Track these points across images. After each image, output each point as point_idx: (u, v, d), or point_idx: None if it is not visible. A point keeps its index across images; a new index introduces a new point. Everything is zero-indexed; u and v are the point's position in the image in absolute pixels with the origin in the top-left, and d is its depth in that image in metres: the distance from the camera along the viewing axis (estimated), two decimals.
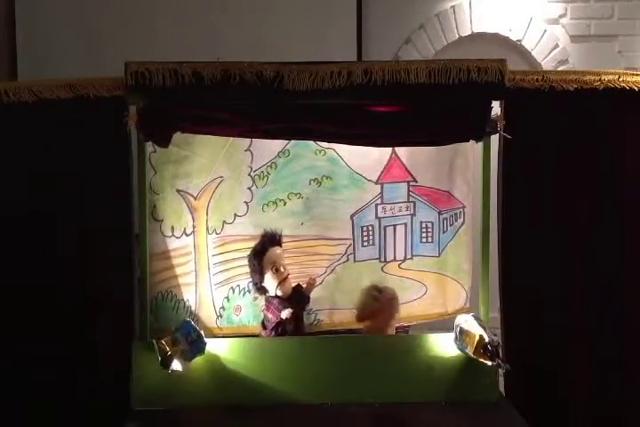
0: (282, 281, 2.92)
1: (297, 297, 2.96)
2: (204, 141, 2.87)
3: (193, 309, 2.97)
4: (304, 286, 3.00)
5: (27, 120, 2.71)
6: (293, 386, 2.73)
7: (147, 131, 2.66)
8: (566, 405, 2.91)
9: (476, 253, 3.01)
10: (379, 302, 2.96)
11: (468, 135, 2.75)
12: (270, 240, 2.92)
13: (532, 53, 4.10)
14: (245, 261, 2.95)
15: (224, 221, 2.97)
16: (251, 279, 2.96)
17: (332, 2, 4.04)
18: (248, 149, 2.96)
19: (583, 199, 2.87)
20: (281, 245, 2.94)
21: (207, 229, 2.96)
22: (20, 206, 2.74)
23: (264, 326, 2.95)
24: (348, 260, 3.07)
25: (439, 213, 3.08)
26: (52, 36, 3.94)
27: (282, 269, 2.92)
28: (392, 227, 3.08)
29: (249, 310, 3.03)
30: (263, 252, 2.89)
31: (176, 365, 2.62)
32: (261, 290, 2.94)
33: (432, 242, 3.10)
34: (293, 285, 2.97)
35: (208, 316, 2.99)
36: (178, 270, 2.95)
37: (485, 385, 2.74)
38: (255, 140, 2.93)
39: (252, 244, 2.94)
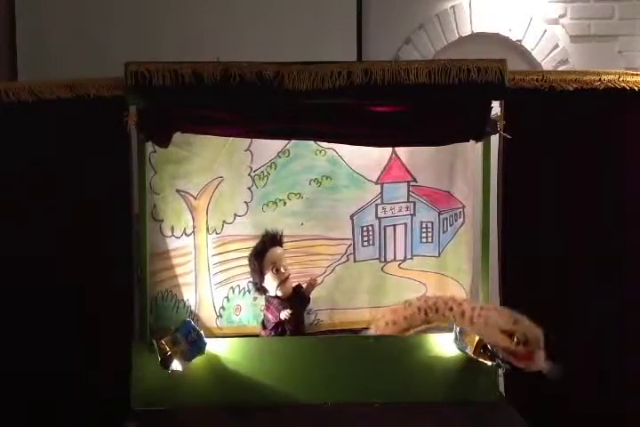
0: (282, 282, 2.91)
1: (297, 298, 2.96)
2: (204, 141, 2.87)
3: (193, 309, 2.97)
4: (304, 286, 3.00)
5: (27, 120, 2.71)
6: (293, 386, 2.73)
7: (147, 131, 2.66)
8: (566, 405, 2.91)
9: (476, 253, 3.01)
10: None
11: (468, 135, 2.76)
12: (271, 240, 2.91)
13: (532, 53, 4.10)
14: (245, 262, 2.95)
15: (224, 221, 2.97)
16: (251, 279, 2.97)
17: (332, 2, 4.03)
18: (248, 149, 2.96)
19: (583, 199, 2.87)
20: (282, 246, 2.94)
21: (207, 229, 2.96)
22: (19, 206, 2.74)
23: (264, 326, 2.95)
24: (348, 260, 3.07)
25: (439, 213, 3.08)
26: (52, 36, 3.93)
27: (282, 270, 2.91)
28: (392, 227, 3.08)
29: (249, 310, 3.03)
30: (264, 252, 2.89)
31: (176, 365, 2.63)
32: (261, 290, 2.94)
33: (432, 242, 3.10)
34: (294, 285, 2.97)
35: (208, 316, 2.99)
36: (178, 270, 2.95)
37: (485, 385, 2.74)
38: (255, 140, 2.93)
39: (252, 244, 2.94)
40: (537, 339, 2.48)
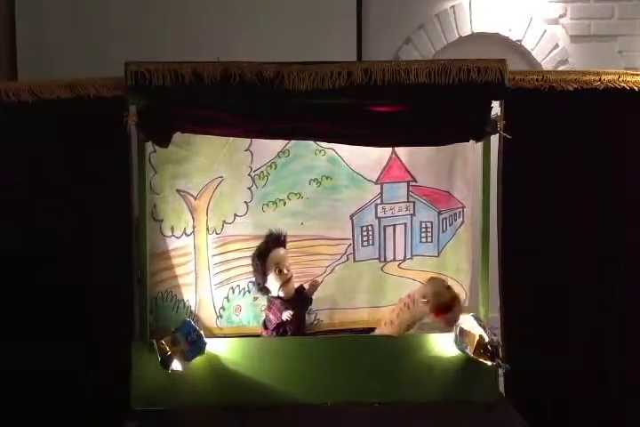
0: (285, 282, 2.91)
1: (299, 299, 2.96)
2: (203, 141, 2.87)
3: (193, 309, 2.97)
4: (306, 287, 3.00)
5: (27, 120, 2.71)
6: (293, 386, 2.73)
7: (147, 131, 2.66)
8: (566, 405, 2.91)
9: (476, 252, 3.01)
10: (451, 293, 2.82)
11: (468, 135, 2.76)
12: (274, 241, 2.91)
13: (532, 53, 4.10)
14: (245, 262, 2.95)
15: (224, 221, 2.97)
16: (251, 279, 2.97)
17: (332, 2, 4.03)
18: (248, 149, 2.96)
19: (583, 199, 2.87)
20: (285, 247, 2.94)
21: (207, 229, 2.96)
22: (19, 206, 2.74)
23: (265, 327, 2.95)
24: (347, 260, 3.07)
25: (438, 213, 3.08)
26: (52, 36, 3.94)
27: (285, 271, 2.91)
28: (392, 227, 3.08)
29: (249, 311, 3.03)
30: (267, 253, 2.89)
31: (176, 365, 2.63)
32: (264, 290, 2.94)
33: (431, 242, 3.10)
34: (296, 286, 2.97)
35: (208, 316, 2.99)
36: (178, 270, 2.95)
37: (485, 385, 2.74)
38: (255, 141, 2.93)
39: (252, 244, 2.94)
40: (438, 293, 2.78)
